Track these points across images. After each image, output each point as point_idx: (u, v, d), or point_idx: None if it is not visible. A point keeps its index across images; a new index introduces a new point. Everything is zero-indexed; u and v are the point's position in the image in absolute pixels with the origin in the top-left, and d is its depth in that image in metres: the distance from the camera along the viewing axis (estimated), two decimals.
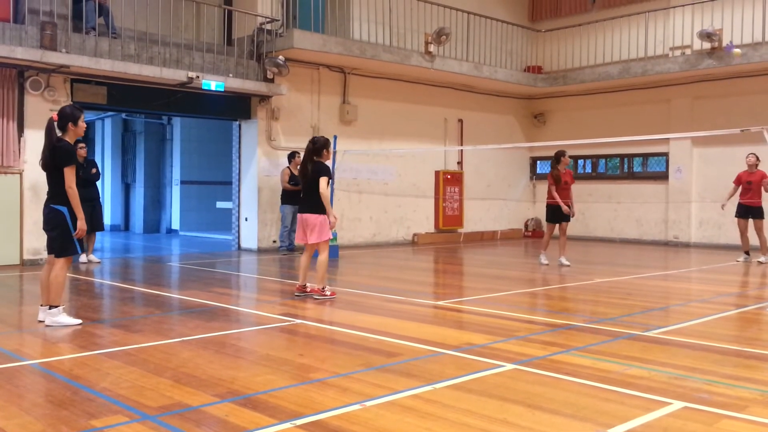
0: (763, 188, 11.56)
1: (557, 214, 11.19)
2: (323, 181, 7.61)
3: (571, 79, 16.82)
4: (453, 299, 7.86)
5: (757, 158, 11.70)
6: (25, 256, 10.70)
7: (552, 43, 17.90)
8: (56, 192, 6.04)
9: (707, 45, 14.33)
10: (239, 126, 13.64)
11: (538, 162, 18.76)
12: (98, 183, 11.62)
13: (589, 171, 17.85)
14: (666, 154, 16.12)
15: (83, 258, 11.02)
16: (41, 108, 10.78)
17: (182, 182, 17.67)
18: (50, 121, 6.11)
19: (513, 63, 17.48)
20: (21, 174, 10.67)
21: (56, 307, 6.06)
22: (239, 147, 13.65)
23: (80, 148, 11.18)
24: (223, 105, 13.03)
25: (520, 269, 11.39)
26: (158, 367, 4.65)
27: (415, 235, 15.88)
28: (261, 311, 6.92)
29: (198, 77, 11.70)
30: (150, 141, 18.21)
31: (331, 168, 8.03)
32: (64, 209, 6.02)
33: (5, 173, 10.54)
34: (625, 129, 16.04)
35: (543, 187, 18.56)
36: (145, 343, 5.39)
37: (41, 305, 6.21)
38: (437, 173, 16.35)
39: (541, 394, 4.06)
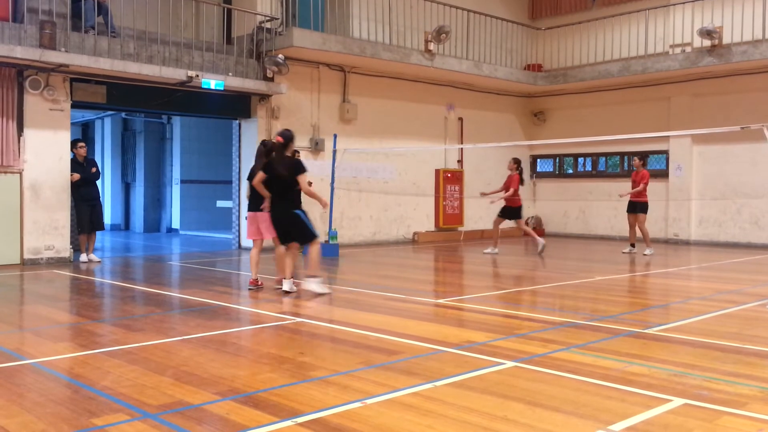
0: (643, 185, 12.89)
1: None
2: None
3: (571, 77, 16.82)
4: (453, 297, 7.86)
5: (640, 159, 13.13)
6: (26, 256, 10.70)
7: (552, 41, 17.90)
8: None
9: (707, 42, 14.33)
10: (239, 125, 13.64)
11: (539, 160, 18.76)
12: (98, 182, 11.62)
13: (589, 169, 17.85)
14: (666, 152, 16.12)
15: (84, 257, 11.03)
16: (41, 107, 10.79)
17: (182, 181, 17.67)
18: None
19: (513, 61, 17.47)
20: (21, 173, 10.68)
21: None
22: (239, 146, 13.65)
23: (80, 147, 11.20)
24: (222, 104, 13.03)
25: (520, 267, 11.39)
26: (159, 366, 4.65)
27: (415, 233, 15.88)
28: (261, 310, 6.92)
29: (198, 76, 11.70)
30: (150, 140, 18.21)
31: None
32: None
33: (5, 173, 10.54)
34: (625, 127, 16.03)
35: (543, 186, 18.63)
36: (146, 341, 5.40)
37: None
38: (437, 172, 16.35)
39: (541, 392, 4.07)
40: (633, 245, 13.16)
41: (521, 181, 12.90)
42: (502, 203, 12.97)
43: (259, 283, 8.24)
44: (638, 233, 13.05)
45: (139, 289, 8.38)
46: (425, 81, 15.88)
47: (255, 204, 8.15)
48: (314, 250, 7.81)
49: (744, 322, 6.28)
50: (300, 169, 7.62)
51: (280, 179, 7.60)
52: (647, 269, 10.80)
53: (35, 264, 10.68)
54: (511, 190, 12.79)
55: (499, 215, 13.14)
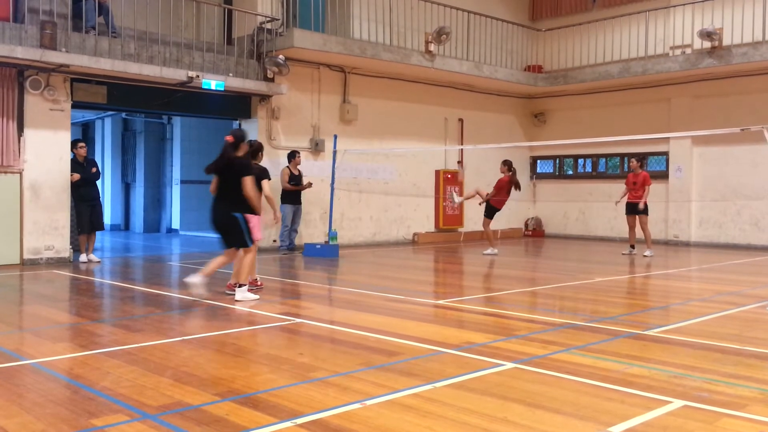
0: (645, 188, 12.86)
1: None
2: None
3: (571, 78, 16.82)
4: (453, 298, 7.86)
5: (638, 161, 13.14)
6: (25, 256, 10.70)
7: (552, 43, 17.90)
8: None
9: (707, 44, 14.33)
10: (239, 125, 13.63)
11: (539, 161, 18.77)
12: (98, 182, 11.61)
13: (589, 170, 17.85)
14: (666, 154, 16.12)
15: (83, 258, 11.03)
16: (41, 107, 10.79)
17: (182, 182, 17.65)
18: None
19: (513, 62, 17.48)
20: (21, 173, 10.67)
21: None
22: None
23: (80, 147, 11.20)
24: (223, 104, 13.03)
25: (520, 268, 11.39)
26: (159, 366, 4.65)
27: (415, 234, 15.88)
28: (261, 310, 6.92)
29: (198, 76, 11.70)
30: (150, 140, 18.20)
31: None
32: None
33: (5, 173, 10.54)
34: (625, 128, 16.05)
35: (543, 187, 18.63)
36: (146, 342, 5.39)
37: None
38: (437, 173, 16.35)
39: (541, 393, 4.06)
40: (633, 246, 13.16)
41: (516, 185, 12.88)
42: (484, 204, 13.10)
43: (259, 283, 8.22)
44: (637, 234, 13.07)
45: (139, 290, 8.38)
46: (425, 82, 15.88)
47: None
48: (247, 257, 7.49)
49: (744, 324, 6.28)
50: (244, 171, 7.26)
51: (221, 179, 7.38)
52: (647, 271, 10.80)
53: (35, 264, 10.68)
54: (493, 191, 12.95)
55: (485, 216, 13.20)
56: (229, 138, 7.39)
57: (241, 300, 7.32)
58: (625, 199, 13.13)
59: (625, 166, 17.08)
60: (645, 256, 12.64)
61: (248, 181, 7.25)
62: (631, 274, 10.48)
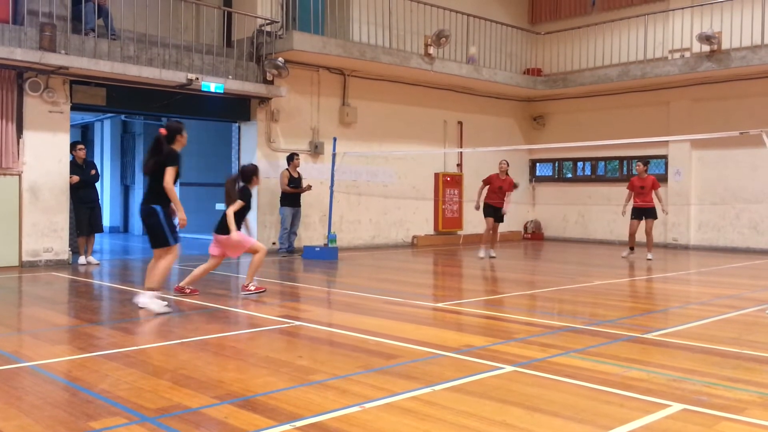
0: (654, 193, 12.72)
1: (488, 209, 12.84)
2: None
3: (570, 81, 16.84)
4: (452, 301, 7.85)
5: (645, 164, 12.91)
6: (24, 258, 10.69)
7: (551, 46, 17.92)
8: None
9: (706, 48, 14.35)
10: (238, 128, 13.64)
11: (538, 164, 18.78)
12: (97, 184, 11.61)
13: (589, 173, 17.86)
14: (665, 157, 16.14)
15: (82, 259, 11.02)
16: (40, 109, 10.79)
17: (181, 184, 17.61)
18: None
19: (512, 65, 17.50)
20: (20, 175, 10.67)
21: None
22: (238, 149, 13.65)
23: (79, 149, 11.19)
24: (222, 107, 13.03)
25: (519, 271, 11.39)
26: (157, 369, 4.64)
27: (414, 237, 15.88)
28: (260, 313, 6.91)
29: (197, 79, 11.70)
30: (149, 143, 18.14)
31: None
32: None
33: (4, 175, 10.54)
34: (624, 131, 16.08)
35: (542, 190, 18.64)
36: (144, 344, 5.39)
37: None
38: (437, 175, 16.36)
39: (540, 396, 4.06)
40: (632, 248, 13.10)
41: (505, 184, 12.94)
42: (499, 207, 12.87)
43: (261, 288, 8.11)
44: (636, 238, 13.03)
45: (138, 292, 8.35)
46: (425, 85, 15.89)
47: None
48: (166, 260, 6.79)
49: (743, 327, 6.28)
50: (169, 161, 6.66)
51: (146, 171, 6.87)
52: (646, 274, 10.80)
53: (34, 266, 10.67)
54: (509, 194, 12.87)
55: (495, 220, 12.95)
56: (163, 131, 6.80)
57: (144, 307, 6.68)
58: (631, 204, 12.88)
59: (624, 169, 17.11)
60: (648, 259, 12.55)
61: (170, 172, 6.61)
62: (631, 277, 10.47)
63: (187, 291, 7.94)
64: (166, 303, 6.79)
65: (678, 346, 5.50)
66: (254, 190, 13.17)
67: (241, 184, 8.06)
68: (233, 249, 8.01)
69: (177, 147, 6.82)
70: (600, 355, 5.11)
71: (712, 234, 15.47)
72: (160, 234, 6.75)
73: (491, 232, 12.98)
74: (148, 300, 6.70)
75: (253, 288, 7.99)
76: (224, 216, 7.85)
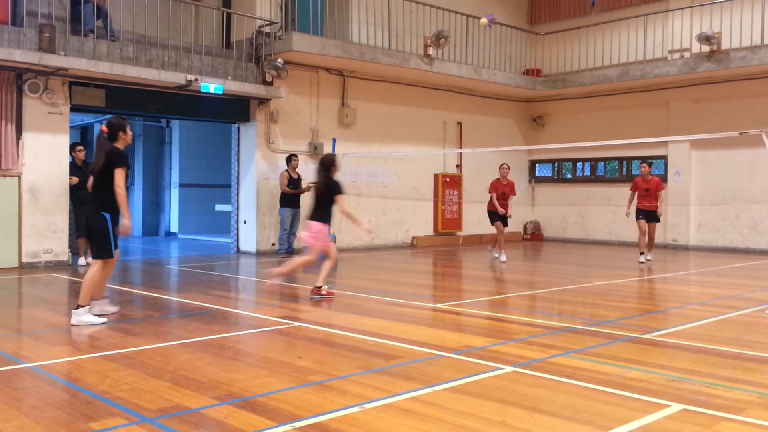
0: (657, 195, 12.39)
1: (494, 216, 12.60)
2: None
3: (570, 82, 16.85)
4: (452, 302, 7.85)
5: (649, 165, 12.62)
6: (24, 259, 10.69)
7: (551, 46, 17.93)
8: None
9: (706, 48, 14.36)
10: (238, 129, 13.64)
11: (537, 165, 18.78)
12: None
13: (588, 174, 17.86)
14: (665, 157, 16.14)
15: (82, 261, 11.02)
16: (39, 111, 10.79)
17: (181, 185, 17.67)
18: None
19: (512, 66, 17.50)
20: (19, 177, 10.67)
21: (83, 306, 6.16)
22: (238, 150, 13.65)
23: (79, 151, 11.19)
24: (221, 108, 13.03)
25: (518, 272, 11.39)
26: (157, 370, 4.64)
27: (414, 238, 15.88)
28: (260, 314, 6.91)
29: (197, 80, 11.71)
30: (149, 144, 18.22)
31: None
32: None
33: (4, 176, 10.54)
34: (623, 132, 16.08)
35: (542, 190, 18.64)
36: (144, 345, 5.39)
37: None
38: (436, 176, 16.36)
39: (539, 397, 4.06)
40: (643, 253, 12.48)
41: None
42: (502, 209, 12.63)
43: (329, 293, 7.89)
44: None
45: (138, 293, 8.37)
46: (424, 85, 15.90)
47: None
48: (92, 270, 6.25)
49: (742, 328, 6.28)
50: (117, 162, 6.17)
51: (92, 173, 6.41)
52: (646, 274, 10.80)
53: (33, 267, 10.67)
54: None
55: (503, 224, 12.63)
56: (104, 128, 6.35)
57: (76, 324, 6.09)
58: (634, 206, 12.59)
59: (624, 169, 17.12)
60: (648, 260, 12.43)
61: (119, 174, 6.12)
62: (630, 277, 10.48)
63: (324, 293, 7.81)
64: (101, 320, 6.26)
65: (677, 346, 5.51)
66: (254, 190, 13.33)
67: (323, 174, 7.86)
68: (320, 240, 7.78)
69: (120, 145, 6.35)
70: (599, 356, 5.11)
71: (711, 234, 15.47)
72: (105, 245, 6.23)
73: (501, 234, 12.60)
74: (77, 319, 6.15)
75: (324, 292, 7.82)
76: (324, 206, 7.76)
